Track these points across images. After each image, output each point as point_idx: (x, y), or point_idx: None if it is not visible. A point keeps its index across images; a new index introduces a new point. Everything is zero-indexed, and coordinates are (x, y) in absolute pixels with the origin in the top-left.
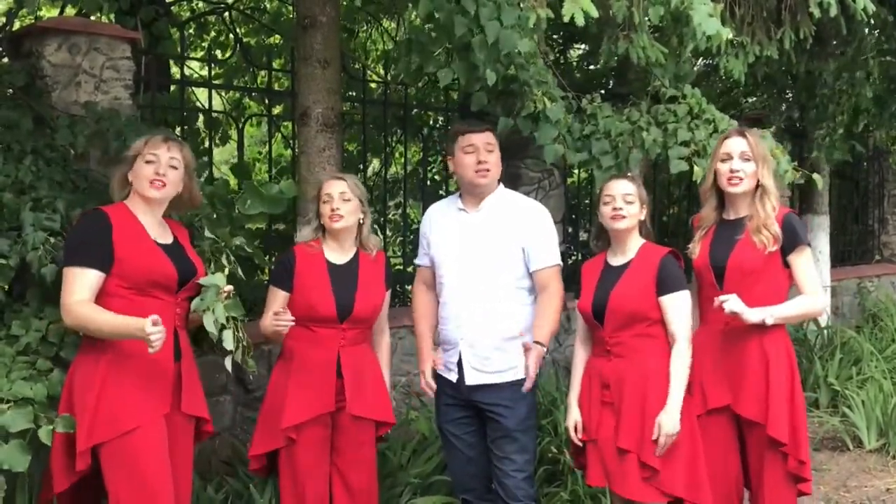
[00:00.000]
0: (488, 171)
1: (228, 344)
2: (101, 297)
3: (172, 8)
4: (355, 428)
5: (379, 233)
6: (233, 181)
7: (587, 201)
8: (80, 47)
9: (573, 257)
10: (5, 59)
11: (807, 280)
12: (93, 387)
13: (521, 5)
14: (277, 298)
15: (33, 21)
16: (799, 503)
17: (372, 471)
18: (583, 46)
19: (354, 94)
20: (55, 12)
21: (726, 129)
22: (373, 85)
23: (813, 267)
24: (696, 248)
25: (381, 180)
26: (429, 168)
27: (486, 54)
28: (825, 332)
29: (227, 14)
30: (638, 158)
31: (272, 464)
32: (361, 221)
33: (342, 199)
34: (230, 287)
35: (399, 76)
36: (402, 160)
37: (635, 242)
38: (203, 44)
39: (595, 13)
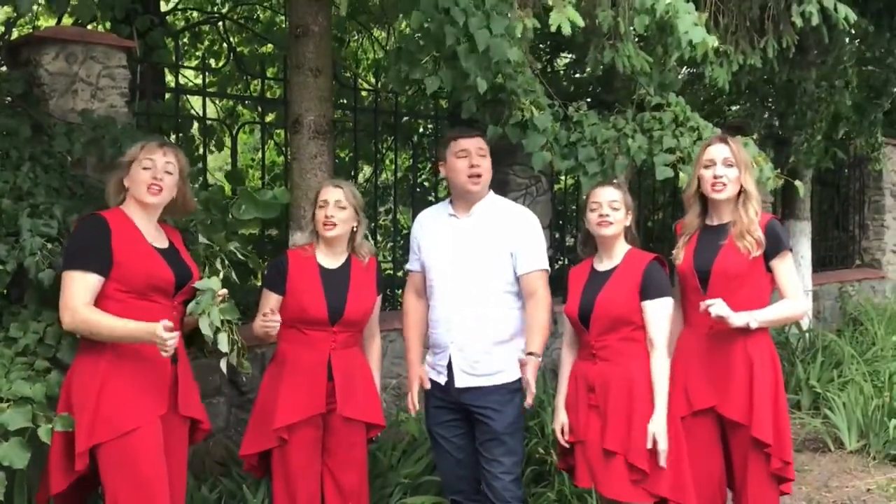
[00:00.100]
0: (480, 175)
1: (223, 347)
2: (100, 301)
3: (167, 17)
4: (346, 429)
5: (370, 238)
6: (227, 187)
7: (574, 207)
8: (76, 56)
9: (560, 262)
10: (4, 68)
11: (789, 284)
12: (92, 388)
13: (509, 15)
14: (270, 301)
15: (31, 31)
16: (781, 503)
17: (363, 471)
18: (569, 55)
19: (346, 102)
20: (52, 22)
21: (710, 136)
22: (364, 93)
23: (795, 272)
24: (681, 254)
25: (372, 186)
26: (418, 174)
27: (477, 62)
28: (807, 335)
29: (220, 23)
30: (624, 165)
31: (266, 464)
32: (355, 229)
33: (337, 206)
34: (225, 291)
35: (389, 85)
36: (393, 167)
37: (621, 248)
38: (197, 53)
39: (581, 23)
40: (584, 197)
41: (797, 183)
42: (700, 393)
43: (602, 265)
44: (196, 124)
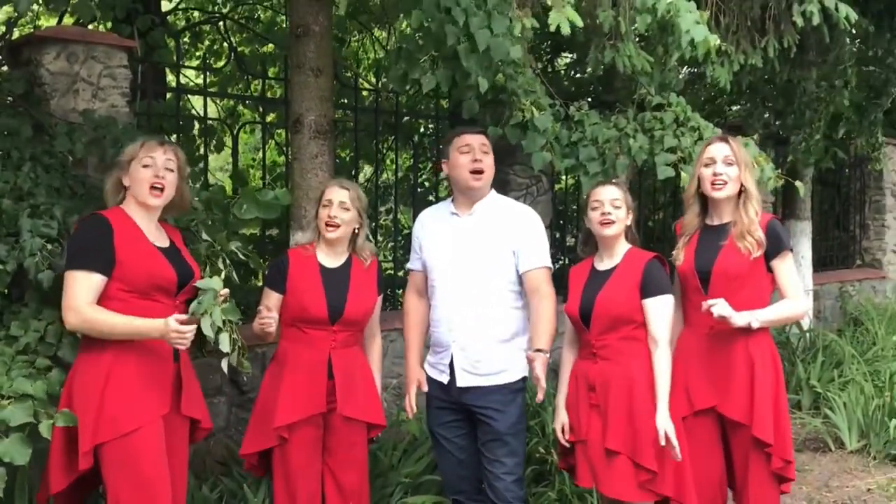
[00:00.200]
0: (482, 171)
1: (225, 346)
2: (102, 301)
3: (168, 17)
4: (346, 429)
5: (370, 238)
6: (228, 187)
7: (574, 207)
8: (77, 56)
9: (560, 262)
10: (5, 68)
11: (790, 284)
12: (95, 387)
13: (509, 15)
14: (271, 300)
15: (32, 30)
16: (782, 503)
17: (363, 471)
18: (570, 55)
19: (346, 101)
20: (54, 22)
21: (711, 136)
22: (364, 93)
23: (795, 272)
24: (681, 255)
25: (373, 186)
26: (419, 174)
27: (478, 62)
28: (807, 335)
29: (221, 23)
30: (625, 165)
31: (267, 464)
32: (356, 231)
33: (341, 207)
34: (226, 290)
35: (390, 84)
36: (393, 167)
37: (622, 247)
38: (198, 52)
39: (580, 22)
40: (585, 196)
41: (798, 183)
42: (701, 393)
43: (602, 264)
44: (197, 124)
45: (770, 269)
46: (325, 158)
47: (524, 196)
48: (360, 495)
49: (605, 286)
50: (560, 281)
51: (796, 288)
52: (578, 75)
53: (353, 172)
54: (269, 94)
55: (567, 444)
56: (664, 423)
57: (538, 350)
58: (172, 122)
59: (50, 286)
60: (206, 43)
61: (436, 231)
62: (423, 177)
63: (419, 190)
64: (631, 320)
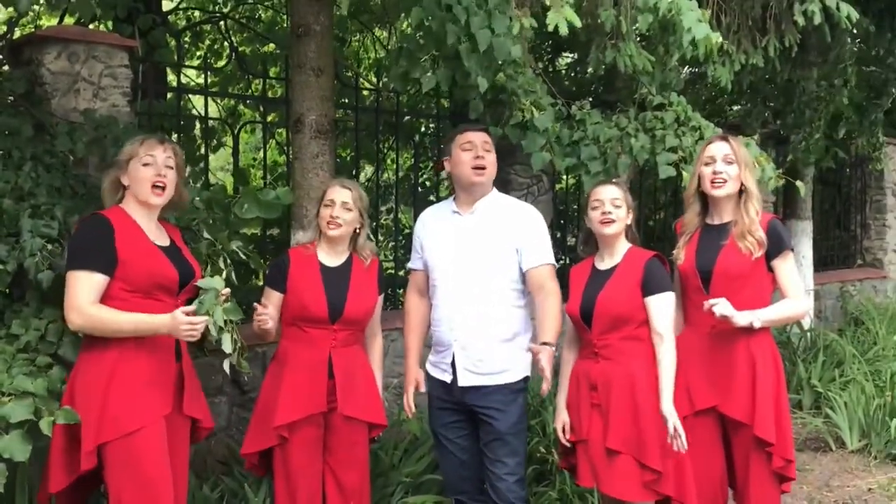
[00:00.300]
0: (484, 168)
1: (227, 347)
2: (104, 301)
3: (169, 17)
4: (347, 428)
5: (371, 237)
6: (229, 186)
7: (575, 207)
8: (78, 55)
9: (561, 261)
10: (6, 67)
11: (791, 284)
12: (98, 387)
13: (508, 14)
14: (272, 299)
15: (33, 30)
16: (783, 502)
17: (364, 470)
18: (571, 55)
19: (347, 101)
20: (55, 21)
21: (711, 135)
22: (365, 93)
23: (796, 271)
24: (681, 254)
25: (374, 186)
26: (420, 174)
27: (478, 61)
28: (808, 334)
29: (222, 23)
30: (626, 164)
31: (267, 463)
32: (358, 231)
33: (344, 207)
34: (228, 290)
35: (391, 84)
36: (394, 166)
37: (622, 247)
38: (199, 52)
39: (578, 23)
40: (586, 195)
41: (798, 183)
42: (702, 392)
43: (603, 264)
44: (198, 124)
45: (771, 269)
46: (325, 158)
47: (525, 196)
48: (360, 495)
49: (606, 286)
50: (561, 280)
51: (797, 288)
52: (579, 75)
53: (353, 172)
54: (269, 94)
55: (568, 444)
56: (669, 410)
57: (544, 343)
58: (173, 121)
59: (50, 286)
60: (207, 42)
61: (437, 230)
62: (424, 176)
63: (420, 189)
64: (632, 319)
